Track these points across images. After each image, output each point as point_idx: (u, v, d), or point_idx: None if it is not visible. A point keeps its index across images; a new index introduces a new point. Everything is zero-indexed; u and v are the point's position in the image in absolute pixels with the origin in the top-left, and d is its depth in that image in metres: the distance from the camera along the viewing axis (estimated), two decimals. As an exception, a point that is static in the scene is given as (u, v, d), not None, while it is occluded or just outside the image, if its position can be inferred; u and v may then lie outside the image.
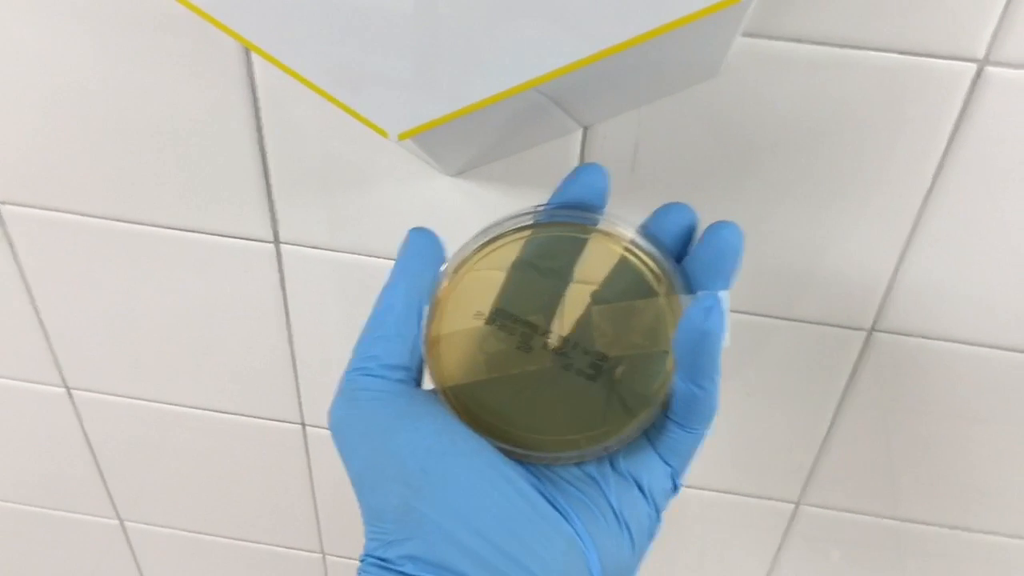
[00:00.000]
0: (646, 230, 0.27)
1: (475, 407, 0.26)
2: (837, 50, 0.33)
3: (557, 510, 0.25)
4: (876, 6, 0.31)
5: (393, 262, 0.28)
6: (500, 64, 0.27)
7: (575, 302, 0.26)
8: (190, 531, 0.62)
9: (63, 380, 0.53)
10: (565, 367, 0.26)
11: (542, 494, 0.25)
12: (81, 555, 0.66)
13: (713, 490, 0.51)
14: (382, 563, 0.24)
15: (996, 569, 0.51)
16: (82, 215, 0.44)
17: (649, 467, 0.26)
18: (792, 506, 0.51)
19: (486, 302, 0.27)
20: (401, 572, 0.24)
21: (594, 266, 0.26)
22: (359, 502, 0.26)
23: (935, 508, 0.49)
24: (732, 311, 0.41)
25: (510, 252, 0.27)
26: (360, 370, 0.26)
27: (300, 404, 0.51)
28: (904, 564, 0.52)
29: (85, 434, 0.56)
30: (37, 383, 0.53)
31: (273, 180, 0.40)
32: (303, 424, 0.52)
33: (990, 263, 0.38)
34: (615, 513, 0.26)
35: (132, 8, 0.35)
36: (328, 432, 0.27)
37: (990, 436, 0.45)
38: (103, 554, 0.65)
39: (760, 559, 0.54)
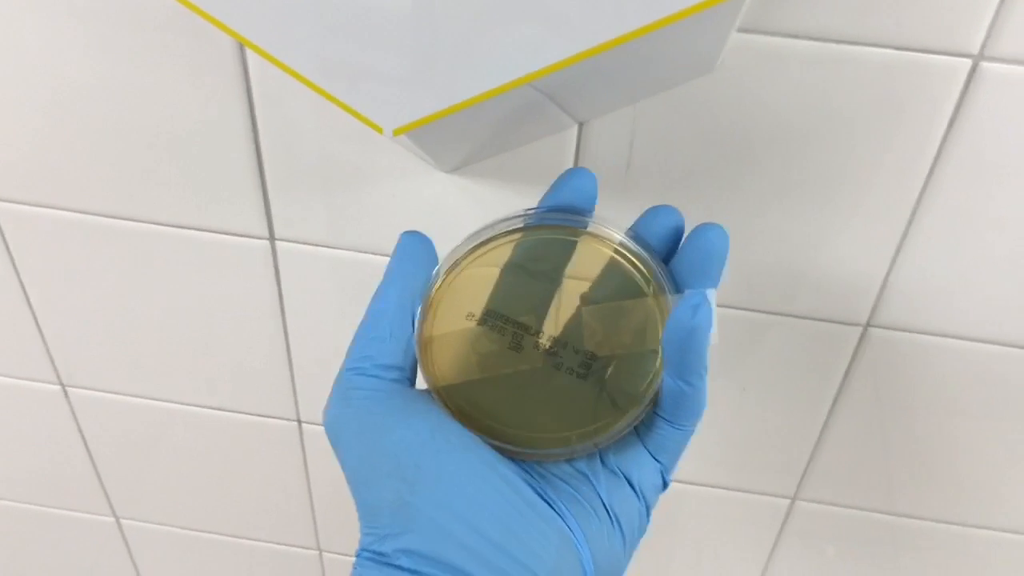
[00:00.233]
0: (634, 232, 0.28)
1: (468, 406, 0.27)
2: (833, 46, 0.33)
3: (550, 506, 0.26)
4: (871, 2, 0.32)
5: (387, 260, 0.29)
6: (495, 60, 0.27)
7: (565, 303, 0.27)
8: (186, 528, 0.63)
9: (58, 377, 0.54)
10: (556, 366, 0.27)
11: (535, 490, 0.26)
12: (77, 552, 0.67)
13: (709, 486, 0.51)
14: (378, 557, 0.25)
15: (991, 564, 0.52)
16: (77, 212, 0.44)
17: (639, 463, 0.28)
18: (787, 502, 0.51)
19: (478, 303, 0.28)
20: (396, 566, 0.25)
21: (584, 268, 0.27)
22: (354, 498, 0.27)
23: (930, 503, 0.50)
24: (728, 307, 0.42)
25: (501, 254, 0.28)
26: (355, 370, 0.27)
27: (296, 401, 0.52)
28: (899, 559, 0.53)
29: (81, 431, 0.57)
30: (32, 380, 0.54)
31: (268, 177, 0.41)
32: (299, 421, 0.53)
33: (985, 259, 0.39)
34: (606, 509, 0.27)
35: (128, 7, 0.36)
36: (323, 429, 0.28)
37: (985, 431, 0.45)
38: (99, 551, 0.66)
39: (756, 554, 0.55)
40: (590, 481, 0.27)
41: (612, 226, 0.28)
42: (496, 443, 0.27)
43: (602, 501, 0.27)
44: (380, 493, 0.26)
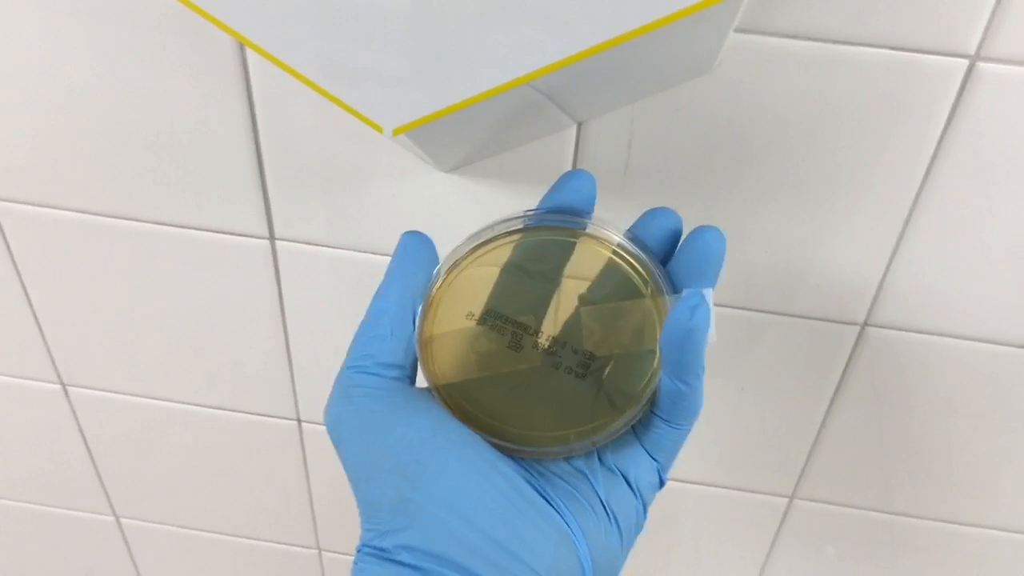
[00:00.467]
0: (632, 234, 0.29)
1: (467, 404, 0.28)
2: (830, 46, 0.34)
3: (549, 503, 0.27)
4: (868, 2, 0.32)
5: (388, 259, 0.29)
6: (494, 60, 0.28)
7: (564, 303, 0.28)
8: (186, 527, 0.63)
9: (59, 376, 0.54)
10: (554, 366, 0.28)
11: (534, 487, 0.27)
12: (77, 552, 0.67)
13: (707, 485, 0.52)
14: (379, 552, 0.26)
15: (988, 562, 0.52)
16: (77, 212, 0.45)
17: (636, 461, 0.28)
18: (785, 501, 0.52)
19: (478, 303, 0.28)
20: (397, 561, 0.25)
21: (582, 268, 0.28)
22: (355, 495, 0.28)
23: (928, 501, 0.50)
24: (726, 307, 0.43)
25: (501, 255, 0.29)
26: (356, 368, 0.28)
27: (296, 400, 0.52)
28: (897, 558, 0.53)
29: (81, 430, 0.57)
30: (32, 379, 0.55)
31: (268, 177, 0.42)
32: (299, 420, 0.54)
33: (981, 258, 0.40)
34: (604, 506, 0.28)
35: (129, 7, 0.36)
36: (324, 428, 0.29)
37: (981, 429, 0.46)
38: (99, 551, 0.67)
39: (754, 553, 0.55)
40: (588, 479, 0.28)
41: (611, 227, 0.29)
42: (495, 441, 0.28)
43: (600, 499, 0.28)
44: (381, 489, 0.26)
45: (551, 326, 0.28)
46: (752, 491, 0.52)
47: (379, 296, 0.29)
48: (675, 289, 0.28)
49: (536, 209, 0.30)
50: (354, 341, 0.28)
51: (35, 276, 0.49)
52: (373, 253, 0.44)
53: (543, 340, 0.28)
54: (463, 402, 0.28)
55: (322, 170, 0.41)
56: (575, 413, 0.28)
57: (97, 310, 0.50)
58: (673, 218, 0.29)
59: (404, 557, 0.25)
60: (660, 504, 0.52)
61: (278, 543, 0.63)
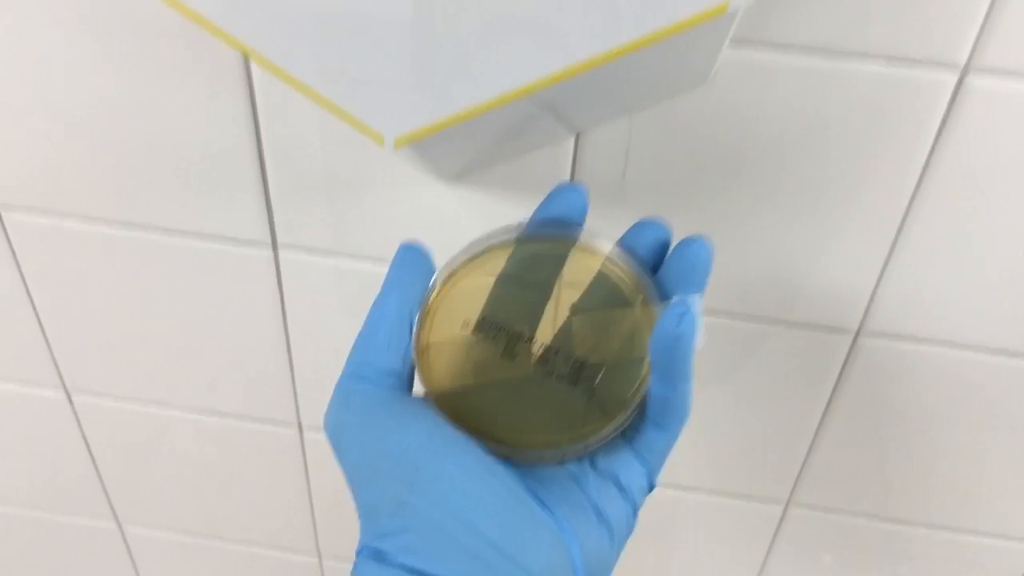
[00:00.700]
0: (622, 244, 0.30)
1: (463, 411, 0.29)
2: (822, 60, 0.35)
3: (543, 506, 0.28)
4: (861, 14, 0.33)
5: (389, 265, 0.31)
6: (493, 72, 0.29)
7: (557, 313, 0.29)
8: (188, 533, 0.64)
9: (63, 383, 0.55)
10: (547, 373, 0.29)
11: (528, 491, 0.28)
12: (80, 558, 0.68)
13: (703, 492, 0.53)
14: (378, 555, 0.27)
15: (986, 570, 0.53)
16: (82, 219, 0.46)
17: (627, 466, 0.29)
18: (781, 508, 0.53)
19: (473, 312, 0.30)
20: (396, 564, 0.26)
21: (574, 279, 0.29)
22: (355, 499, 0.29)
23: (924, 508, 0.51)
24: (721, 316, 0.44)
25: (496, 265, 0.30)
26: (355, 376, 0.29)
27: (297, 407, 0.53)
28: (896, 566, 0.54)
29: (84, 437, 0.58)
30: (36, 386, 0.55)
31: (271, 186, 0.43)
32: (300, 426, 0.54)
33: (973, 268, 0.40)
34: (596, 509, 0.29)
35: (135, 19, 0.38)
36: (324, 435, 0.30)
37: (976, 437, 0.47)
38: (101, 557, 0.67)
39: (751, 560, 0.56)
40: (580, 483, 0.29)
41: (601, 239, 0.30)
42: (490, 446, 0.29)
43: (592, 502, 0.29)
44: (380, 493, 0.27)
45: (544, 335, 0.29)
46: (748, 498, 0.53)
47: (377, 305, 0.30)
48: (664, 297, 0.29)
49: (530, 221, 0.31)
50: (353, 349, 0.30)
51: (40, 283, 0.50)
52: (374, 260, 0.45)
53: (536, 348, 0.29)
54: (459, 409, 0.29)
55: (324, 179, 0.42)
56: (568, 419, 0.29)
57: (101, 317, 0.51)
58: (661, 229, 0.31)
59: (402, 559, 0.26)
60: (658, 511, 0.53)
61: (279, 549, 0.64)
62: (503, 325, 0.30)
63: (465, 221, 0.42)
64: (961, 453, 0.48)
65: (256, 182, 0.43)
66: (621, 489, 0.29)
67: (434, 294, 0.30)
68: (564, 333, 0.29)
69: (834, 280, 0.42)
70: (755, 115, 0.37)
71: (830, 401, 0.47)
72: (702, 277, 0.29)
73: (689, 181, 0.40)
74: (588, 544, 0.28)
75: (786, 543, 0.54)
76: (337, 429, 0.29)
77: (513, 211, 0.42)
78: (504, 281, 0.30)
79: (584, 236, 0.30)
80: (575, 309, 0.30)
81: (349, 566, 0.28)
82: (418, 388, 0.30)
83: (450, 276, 0.30)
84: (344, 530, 0.61)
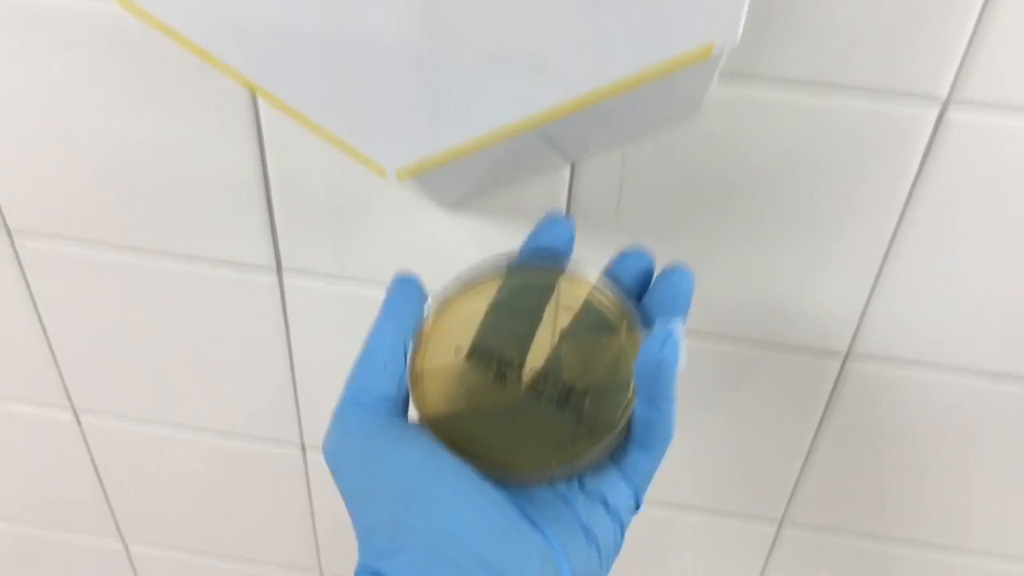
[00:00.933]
0: (608, 273, 0.32)
1: (456, 435, 0.30)
2: (809, 93, 0.36)
3: (533, 525, 0.29)
4: (845, 49, 0.35)
5: (384, 297, 0.32)
6: (491, 108, 0.30)
7: (546, 339, 0.31)
8: (192, 553, 0.65)
9: (71, 404, 0.56)
10: (537, 398, 0.31)
11: (519, 511, 0.29)
12: None
13: (698, 511, 0.53)
14: (376, 573, 0.28)
15: None
16: (93, 245, 0.47)
17: (614, 486, 0.31)
18: (775, 528, 0.53)
19: (465, 339, 0.31)
20: None
21: (562, 307, 0.31)
22: (353, 520, 0.30)
23: (915, 528, 0.52)
24: (714, 338, 0.45)
25: (487, 295, 0.31)
26: (352, 402, 0.30)
27: (300, 428, 0.54)
28: None
29: (91, 457, 0.59)
30: (46, 407, 0.56)
31: (276, 212, 0.44)
32: (303, 447, 0.55)
33: (957, 293, 0.41)
34: (584, 528, 0.30)
35: (143, 50, 0.39)
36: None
37: (963, 457, 0.48)
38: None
39: None
40: (569, 503, 0.30)
41: (588, 268, 0.31)
42: (483, 468, 0.30)
43: (581, 521, 0.30)
44: (377, 514, 0.29)
45: (534, 361, 0.31)
46: (742, 516, 0.53)
47: (373, 334, 0.31)
48: (648, 323, 0.31)
49: (520, 251, 0.32)
50: (350, 376, 0.31)
51: (50, 305, 0.51)
52: (376, 284, 0.46)
53: (526, 374, 0.31)
54: (452, 433, 0.30)
55: (328, 206, 0.43)
56: (557, 442, 0.30)
57: (110, 339, 0.52)
58: (644, 258, 0.32)
59: None
60: (654, 531, 0.54)
61: (282, 568, 0.64)
62: (494, 352, 0.31)
63: (464, 247, 0.44)
64: (950, 472, 0.49)
65: (262, 209, 0.44)
66: (609, 509, 0.30)
67: (428, 323, 0.31)
68: (553, 359, 0.31)
69: (823, 306, 0.43)
70: (745, 146, 0.38)
71: (821, 423, 0.48)
72: (684, 303, 0.31)
73: (681, 209, 0.41)
74: (577, 562, 0.29)
75: (780, 562, 0.55)
76: (335, 453, 0.30)
77: (511, 237, 0.43)
78: (495, 310, 0.31)
79: (571, 266, 0.32)
80: (563, 336, 0.31)
81: (349, 584, 0.29)
82: (413, 413, 0.31)
83: (443, 305, 0.31)
84: (345, 549, 0.61)
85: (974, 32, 0.34)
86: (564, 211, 0.42)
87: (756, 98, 0.37)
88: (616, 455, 0.31)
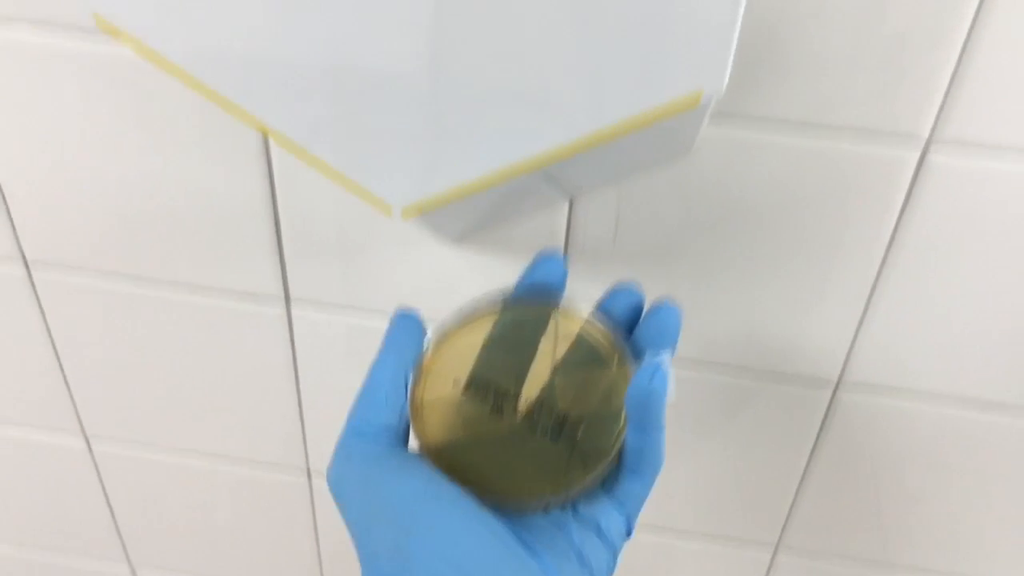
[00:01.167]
0: (600, 308, 0.33)
1: (455, 464, 0.31)
2: (797, 134, 0.37)
3: (529, 551, 0.30)
4: (831, 92, 0.36)
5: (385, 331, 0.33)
6: (494, 150, 0.32)
7: (540, 372, 0.32)
8: None
9: (83, 431, 0.57)
10: (532, 428, 0.32)
11: (516, 537, 0.30)
12: None
13: (694, 537, 0.54)
14: None
15: None
16: (106, 276, 0.48)
17: (606, 513, 0.32)
18: (770, 554, 0.54)
19: (463, 372, 0.32)
20: None
21: (556, 340, 0.32)
22: (356, 546, 0.31)
23: (908, 553, 0.52)
24: (707, 368, 0.46)
25: (484, 329, 0.33)
26: (355, 432, 0.32)
27: (306, 455, 0.55)
28: None
29: (101, 483, 0.60)
30: (58, 433, 0.57)
31: (286, 245, 0.45)
32: (308, 474, 0.56)
33: (941, 327, 0.43)
34: (579, 554, 0.31)
35: (156, 90, 0.40)
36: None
37: (951, 483, 0.49)
38: None
39: None
40: (564, 529, 0.31)
41: (580, 303, 0.33)
42: (481, 496, 0.31)
43: (575, 547, 0.31)
44: (379, 540, 0.30)
45: (529, 393, 0.32)
46: (738, 542, 0.54)
47: (375, 367, 0.32)
48: (638, 355, 0.32)
49: (515, 287, 0.34)
50: (353, 408, 0.32)
51: (65, 334, 0.52)
52: (382, 315, 0.47)
53: (522, 405, 0.32)
54: (451, 462, 0.32)
55: (335, 239, 0.44)
56: (552, 470, 0.31)
57: (122, 368, 0.53)
58: (634, 294, 0.34)
59: None
60: (651, 557, 0.54)
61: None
62: (491, 384, 0.32)
63: (467, 279, 0.45)
64: (941, 498, 0.49)
65: (271, 242, 0.45)
66: (601, 535, 0.31)
67: (427, 356, 0.33)
68: (547, 391, 0.32)
69: (813, 337, 0.44)
70: (736, 184, 0.39)
71: (813, 450, 0.48)
72: (672, 337, 0.32)
73: (676, 243, 0.42)
74: (572, 587, 0.30)
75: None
76: (339, 482, 0.32)
77: (511, 270, 0.44)
78: (492, 343, 0.33)
79: (564, 301, 0.33)
80: (557, 368, 0.32)
81: (353, 608, 0.30)
82: (413, 443, 0.33)
83: (442, 339, 0.33)
84: (349, 573, 0.61)
85: (953, 76, 0.35)
86: (563, 245, 0.43)
87: (746, 138, 0.38)
88: (608, 483, 0.32)
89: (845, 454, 0.48)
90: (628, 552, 0.32)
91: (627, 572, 0.32)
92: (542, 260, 0.34)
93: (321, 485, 0.57)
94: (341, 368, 0.50)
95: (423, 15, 0.29)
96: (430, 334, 0.33)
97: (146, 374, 0.53)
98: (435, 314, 0.35)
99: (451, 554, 0.29)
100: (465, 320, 0.33)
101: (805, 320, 0.44)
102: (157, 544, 0.64)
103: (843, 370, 0.45)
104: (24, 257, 0.49)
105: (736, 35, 0.28)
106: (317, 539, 0.61)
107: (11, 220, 0.47)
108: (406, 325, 0.33)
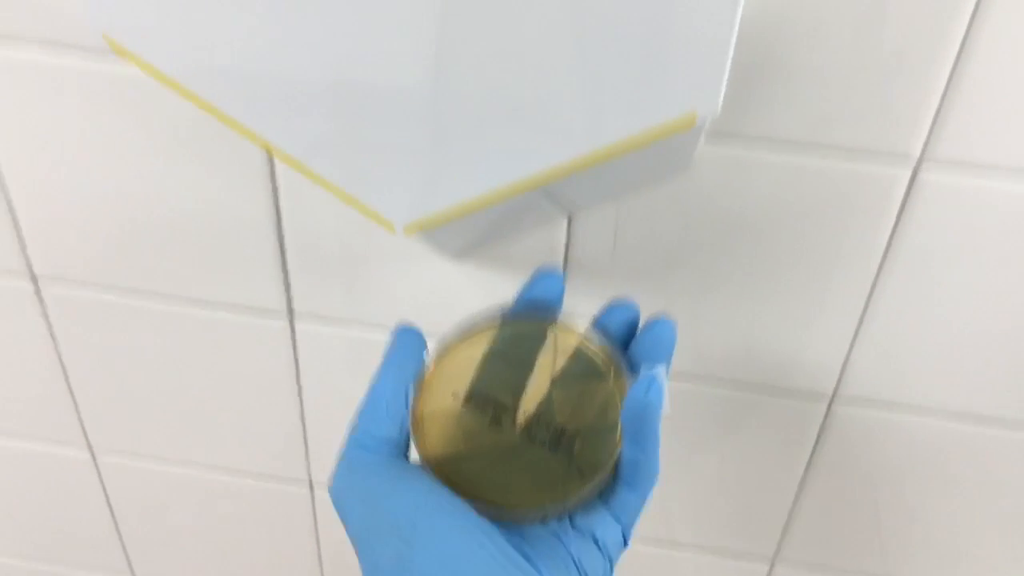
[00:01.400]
0: (596, 323, 0.34)
1: (454, 475, 0.32)
2: (792, 152, 0.38)
3: (528, 561, 0.30)
4: (825, 111, 0.37)
5: (387, 345, 0.34)
6: (495, 167, 0.32)
7: (538, 386, 0.33)
8: None
9: (88, 443, 0.58)
10: (530, 440, 0.32)
11: (514, 548, 0.30)
12: None
13: (692, 549, 0.54)
14: None
15: None
16: (112, 289, 0.49)
17: (603, 524, 0.32)
18: (767, 567, 0.55)
19: (463, 385, 0.33)
20: None
21: (554, 355, 0.33)
22: (358, 556, 0.31)
23: (904, 566, 0.53)
24: (703, 382, 0.47)
25: (483, 343, 0.33)
26: (357, 445, 0.32)
27: (309, 467, 0.56)
28: None
29: (106, 494, 0.60)
30: (64, 445, 0.58)
31: (289, 260, 0.46)
32: (311, 486, 0.57)
33: (934, 341, 0.43)
34: (576, 565, 0.31)
35: (163, 106, 0.41)
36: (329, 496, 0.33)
37: (946, 496, 0.49)
38: None
39: None
40: (561, 540, 0.32)
41: (577, 318, 0.34)
42: (480, 507, 0.31)
43: (572, 558, 0.31)
44: (381, 550, 0.30)
45: (527, 406, 0.33)
46: (736, 555, 0.54)
47: (376, 381, 0.33)
48: (633, 369, 0.33)
49: (514, 302, 0.34)
50: (355, 420, 0.33)
51: (71, 348, 0.52)
52: (384, 328, 0.47)
53: (520, 418, 0.33)
54: (451, 473, 0.32)
55: (338, 254, 0.45)
56: (549, 482, 0.32)
57: (127, 381, 0.53)
58: (630, 309, 0.34)
59: None
60: (648, 569, 0.54)
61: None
62: (490, 397, 0.33)
63: (467, 293, 0.45)
64: (936, 511, 0.50)
65: (275, 257, 0.46)
66: (599, 545, 0.32)
67: (428, 369, 0.33)
68: (545, 404, 0.33)
69: (809, 351, 0.45)
70: (733, 201, 0.40)
71: (809, 462, 0.49)
72: (667, 351, 0.33)
73: (673, 259, 0.42)
74: (569, 597, 0.31)
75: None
76: (341, 494, 0.32)
77: (511, 285, 0.44)
78: (490, 357, 0.34)
79: (562, 316, 0.34)
80: (555, 382, 0.33)
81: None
82: (414, 455, 0.33)
83: (442, 353, 0.34)
84: None
85: (943, 98, 0.36)
86: (562, 261, 0.44)
87: (743, 156, 0.39)
88: (605, 494, 0.33)
89: (842, 467, 0.49)
90: (626, 564, 0.33)
91: (624, 584, 0.33)
92: (541, 276, 0.35)
93: (323, 496, 0.57)
94: (343, 381, 0.51)
95: (425, 34, 0.30)
96: (431, 348, 0.34)
97: (151, 387, 0.54)
98: (436, 328, 0.35)
99: (452, 564, 0.29)
100: (465, 334, 0.34)
101: (801, 334, 0.44)
102: (161, 556, 0.65)
103: (838, 384, 0.46)
104: (32, 272, 0.49)
105: (730, 59, 0.29)
106: (319, 550, 0.61)
107: (20, 235, 0.48)
108: (407, 339, 0.34)
